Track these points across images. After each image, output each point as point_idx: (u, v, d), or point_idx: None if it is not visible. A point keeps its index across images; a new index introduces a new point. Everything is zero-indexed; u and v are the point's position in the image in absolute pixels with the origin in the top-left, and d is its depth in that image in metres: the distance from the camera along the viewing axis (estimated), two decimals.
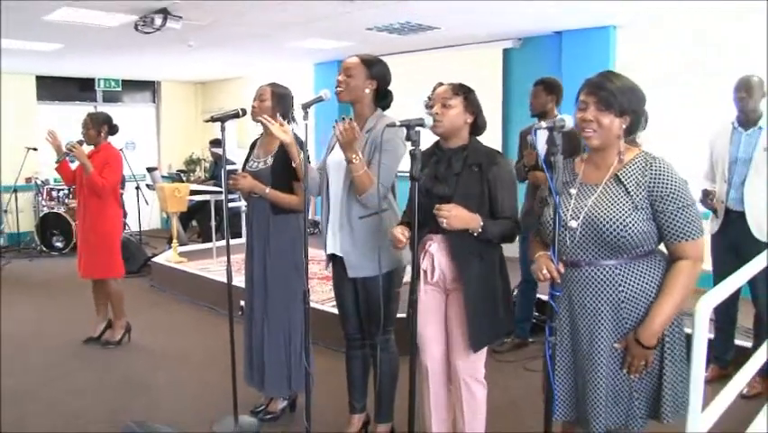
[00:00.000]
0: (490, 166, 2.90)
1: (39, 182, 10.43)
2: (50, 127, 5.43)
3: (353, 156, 3.05)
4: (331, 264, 3.52)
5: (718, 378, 4.14)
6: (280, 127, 3.37)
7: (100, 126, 5.22)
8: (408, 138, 2.67)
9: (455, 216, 2.74)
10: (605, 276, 2.37)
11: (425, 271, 3.03)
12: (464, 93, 2.96)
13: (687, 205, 2.33)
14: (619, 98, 2.31)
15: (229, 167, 6.38)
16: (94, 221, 5.22)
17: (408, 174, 2.67)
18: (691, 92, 6.43)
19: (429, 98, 3.03)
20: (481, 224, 2.79)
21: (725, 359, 4.41)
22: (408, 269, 3.04)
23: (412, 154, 2.66)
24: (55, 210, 9.85)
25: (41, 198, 10.20)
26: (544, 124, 2.29)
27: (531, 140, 4.81)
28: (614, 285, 2.37)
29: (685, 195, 2.33)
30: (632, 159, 2.40)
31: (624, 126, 2.36)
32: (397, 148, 3.17)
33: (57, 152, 5.18)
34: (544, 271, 2.29)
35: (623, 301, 2.37)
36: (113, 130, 5.34)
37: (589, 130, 2.34)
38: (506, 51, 7.97)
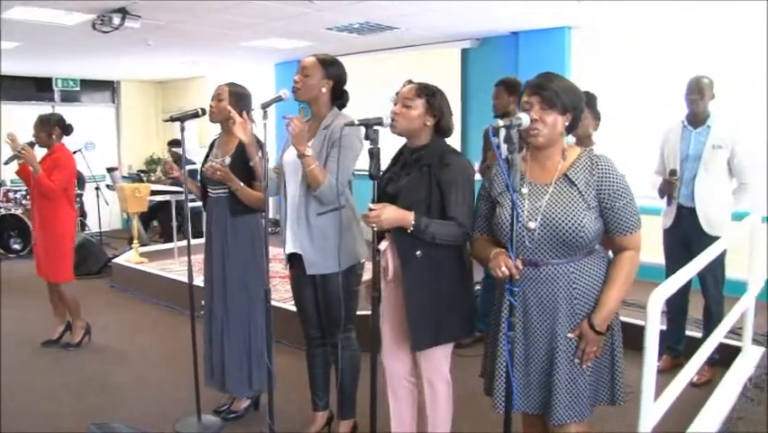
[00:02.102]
0: (441, 167, 2.83)
1: None
2: (6, 128, 5.33)
3: (305, 150, 3.07)
4: (289, 264, 3.51)
5: (671, 367, 4.26)
6: (242, 124, 3.36)
7: (51, 128, 5.13)
8: (367, 137, 2.68)
9: (385, 217, 2.71)
10: (561, 274, 2.43)
11: (384, 269, 2.98)
12: (427, 95, 2.89)
13: (631, 200, 2.44)
14: (562, 97, 2.38)
15: (189, 167, 6.36)
16: (45, 223, 5.16)
17: (367, 172, 2.69)
18: (643, 91, 6.59)
19: (396, 94, 3.00)
20: (413, 222, 2.74)
21: (677, 349, 4.55)
22: (368, 266, 3.04)
23: (371, 153, 2.67)
24: (12, 212, 9.68)
25: None
26: (501, 122, 2.31)
27: (495, 141, 4.87)
28: (569, 282, 2.43)
29: (629, 190, 2.45)
30: (577, 158, 2.47)
31: (566, 124, 2.43)
32: (353, 144, 3.18)
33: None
34: (503, 269, 2.30)
35: (576, 297, 2.45)
36: (66, 131, 5.26)
37: (534, 129, 2.39)
38: (464, 51, 8.05)
